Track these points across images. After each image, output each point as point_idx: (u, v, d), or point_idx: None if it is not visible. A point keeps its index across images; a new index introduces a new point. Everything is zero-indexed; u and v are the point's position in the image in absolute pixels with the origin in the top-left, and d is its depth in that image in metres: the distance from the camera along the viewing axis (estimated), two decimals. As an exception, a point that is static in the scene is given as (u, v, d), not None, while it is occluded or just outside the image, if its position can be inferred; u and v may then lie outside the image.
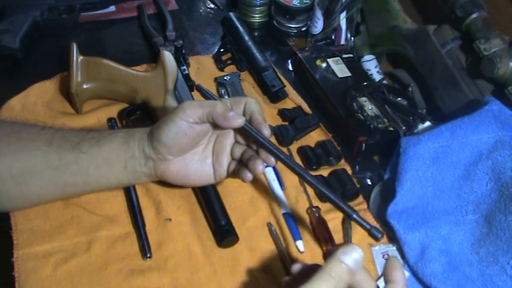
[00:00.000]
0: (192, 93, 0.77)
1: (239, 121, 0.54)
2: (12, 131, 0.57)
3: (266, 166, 0.69)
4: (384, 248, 0.63)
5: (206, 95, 0.58)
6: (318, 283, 0.39)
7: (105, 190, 0.61)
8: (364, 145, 0.71)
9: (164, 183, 0.64)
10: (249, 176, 0.56)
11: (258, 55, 0.83)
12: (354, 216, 0.49)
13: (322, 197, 0.66)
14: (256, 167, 0.54)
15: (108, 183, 0.59)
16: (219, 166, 0.58)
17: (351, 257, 0.40)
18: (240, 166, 0.57)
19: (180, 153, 0.57)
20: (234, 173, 0.58)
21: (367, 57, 0.87)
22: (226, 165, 0.58)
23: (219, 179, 0.60)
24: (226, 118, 0.53)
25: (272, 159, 0.55)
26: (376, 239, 0.47)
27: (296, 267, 0.47)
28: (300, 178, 0.53)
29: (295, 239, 0.62)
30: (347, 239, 0.62)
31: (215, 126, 0.56)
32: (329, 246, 0.61)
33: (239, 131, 0.57)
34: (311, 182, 0.53)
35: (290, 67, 0.89)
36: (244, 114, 0.56)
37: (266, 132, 0.54)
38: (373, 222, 0.66)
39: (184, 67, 0.79)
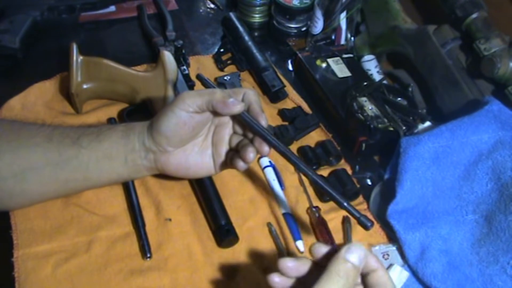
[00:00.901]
0: (192, 93, 0.76)
1: (239, 107, 0.54)
2: (11, 129, 0.57)
3: (266, 166, 0.69)
4: (384, 248, 0.63)
5: (206, 83, 0.58)
6: (327, 284, 0.39)
7: (106, 185, 0.61)
8: (364, 145, 0.71)
9: (164, 182, 0.65)
10: (241, 164, 0.55)
11: (258, 55, 0.83)
12: (345, 204, 0.49)
13: (316, 188, 0.67)
14: (247, 154, 0.54)
15: (108, 177, 0.59)
16: (218, 157, 0.58)
17: (356, 254, 0.40)
18: (234, 155, 0.57)
19: (180, 144, 0.57)
20: (232, 163, 0.58)
21: (367, 57, 0.87)
22: (224, 154, 0.58)
23: (219, 170, 0.60)
24: (225, 104, 0.53)
25: (265, 148, 0.54)
26: (366, 228, 0.47)
27: (288, 265, 0.43)
28: (294, 167, 0.53)
29: (295, 239, 0.62)
30: (347, 239, 0.62)
31: (215, 114, 0.56)
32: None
33: (237, 120, 0.57)
34: (305, 171, 0.52)
35: (290, 67, 0.89)
36: None
37: (263, 122, 0.54)
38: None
39: (184, 67, 0.79)
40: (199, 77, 0.58)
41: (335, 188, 0.67)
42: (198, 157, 0.59)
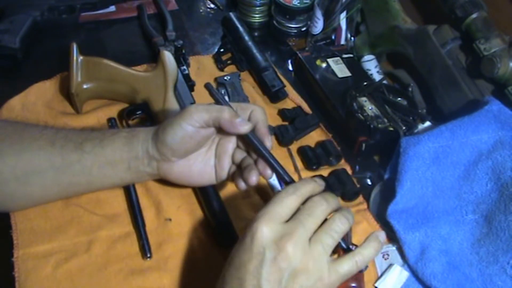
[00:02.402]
0: (192, 93, 0.77)
1: (246, 128, 0.54)
2: (14, 131, 0.57)
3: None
4: (384, 248, 0.63)
5: (215, 96, 0.57)
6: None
7: (108, 188, 0.62)
8: (364, 145, 0.71)
9: (164, 183, 0.65)
10: (242, 185, 0.56)
11: (258, 55, 0.83)
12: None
13: None
14: (250, 177, 0.54)
15: (111, 182, 0.59)
16: (220, 169, 0.59)
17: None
18: (237, 173, 0.57)
19: (185, 155, 0.58)
20: (233, 181, 0.59)
21: (367, 57, 0.87)
22: (227, 168, 0.59)
23: (220, 180, 0.60)
24: (233, 124, 0.53)
25: (268, 172, 0.54)
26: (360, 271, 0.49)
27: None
28: None
29: (295, 239, 0.62)
30: (347, 239, 0.62)
31: (220, 130, 0.56)
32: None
33: (242, 137, 0.57)
34: None
35: (290, 67, 0.89)
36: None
37: (268, 144, 0.55)
38: (373, 222, 0.66)
39: (184, 67, 0.79)
40: (207, 87, 0.57)
41: (336, 189, 0.67)
42: (201, 167, 0.59)
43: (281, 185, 0.67)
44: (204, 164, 0.59)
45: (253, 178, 0.54)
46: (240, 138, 0.58)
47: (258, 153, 0.55)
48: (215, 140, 0.59)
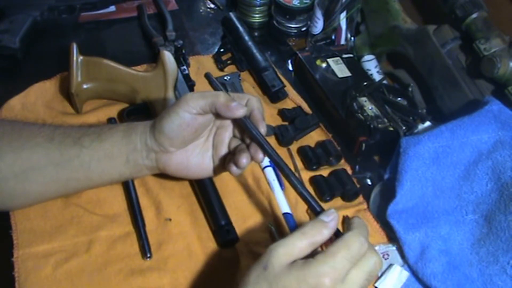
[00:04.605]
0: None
1: (241, 111, 0.54)
2: (12, 129, 0.57)
3: (266, 166, 0.69)
4: (384, 248, 0.63)
5: (213, 84, 0.58)
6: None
7: (107, 184, 0.62)
8: (364, 145, 0.71)
9: (164, 182, 0.65)
10: (234, 169, 0.56)
11: (258, 55, 0.83)
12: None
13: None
14: (240, 160, 0.54)
15: (110, 177, 0.59)
16: (218, 159, 0.59)
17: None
18: (229, 158, 0.57)
19: (183, 145, 0.58)
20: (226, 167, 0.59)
21: (367, 57, 0.87)
22: (224, 158, 0.59)
23: (218, 172, 0.60)
24: (228, 108, 0.54)
25: (260, 155, 0.54)
26: None
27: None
28: (286, 179, 0.53)
29: (295, 239, 0.62)
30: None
31: (217, 116, 0.56)
32: (329, 246, 0.61)
33: (237, 124, 0.57)
34: (296, 186, 0.51)
35: (290, 67, 0.89)
36: None
37: (263, 129, 0.55)
38: (373, 222, 0.66)
39: (184, 67, 0.79)
40: (207, 76, 0.58)
41: (336, 189, 0.67)
42: (198, 158, 0.59)
43: (281, 186, 0.67)
44: (202, 155, 0.59)
45: (243, 161, 0.54)
46: (235, 124, 0.58)
47: (251, 136, 0.55)
48: (212, 131, 0.59)
